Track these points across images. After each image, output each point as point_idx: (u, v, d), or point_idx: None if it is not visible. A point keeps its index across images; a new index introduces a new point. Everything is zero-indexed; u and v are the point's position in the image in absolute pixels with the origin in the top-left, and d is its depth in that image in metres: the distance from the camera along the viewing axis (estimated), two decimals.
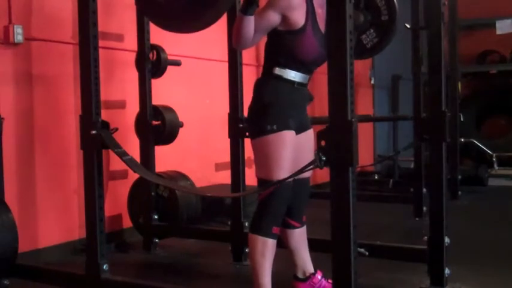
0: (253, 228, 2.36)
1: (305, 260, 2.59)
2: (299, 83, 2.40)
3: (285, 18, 2.31)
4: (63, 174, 3.49)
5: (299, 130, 2.43)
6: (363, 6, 3.70)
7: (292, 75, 2.38)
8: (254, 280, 2.35)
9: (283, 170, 2.30)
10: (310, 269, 2.59)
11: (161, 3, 2.15)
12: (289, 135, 2.35)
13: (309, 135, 2.51)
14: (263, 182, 2.34)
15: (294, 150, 2.37)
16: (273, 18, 2.30)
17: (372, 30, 3.74)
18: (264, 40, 2.45)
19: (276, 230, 2.33)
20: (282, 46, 2.36)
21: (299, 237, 2.56)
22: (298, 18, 2.32)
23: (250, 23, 2.21)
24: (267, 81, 2.41)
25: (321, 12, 2.39)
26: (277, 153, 2.32)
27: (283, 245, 2.55)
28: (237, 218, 3.24)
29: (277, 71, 2.37)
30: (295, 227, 2.54)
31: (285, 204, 2.36)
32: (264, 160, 2.35)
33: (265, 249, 2.31)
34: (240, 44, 2.31)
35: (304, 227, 2.58)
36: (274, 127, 2.32)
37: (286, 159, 2.34)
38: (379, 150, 7.13)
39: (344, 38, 1.71)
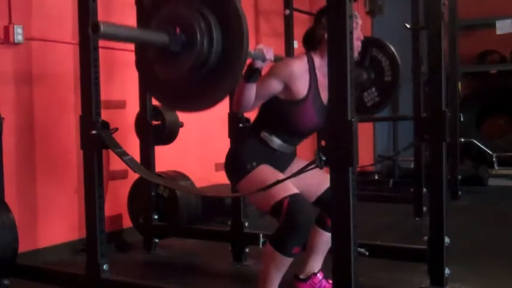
0: (275, 244, 2.23)
1: (317, 263, 2.59)
2: (281, 152, 2.40)
3: (286, 88, 2.31)
4: (63, 174, 3.49)
5: (283, 168, 2.42)
6: (367, 65, 3.72)
7: (277, 143, 2.37)
8: (261, 286, 2.31)
9: (287, 185, 2.24)
10: (315, 269, 2.60)
11: (164, 81, 2.11)
12: (270, 166, 2.33)
13: (298, 162, 2.48)
14: (276, 209, 2.21)
15: (296, 179, 2.27)
16: (275, 87, 2.30)
17: (373, 89, 3.78)
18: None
19: (296, 250, 2.22)
20: (278, 113, 2.35)
21: (328, 241, 2.47)
22: (300, 88, 2.32)
23: (251, 90, 2.22)
24: (249, 139, 2.40)
25: (323, 81, 2.36)
26: (269, 178, 2.25)
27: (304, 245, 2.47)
28: (237, 218, 3.23)
29: (264, 135, 2.37)
30: (329, 230, 2.49)
31: (306, 225, 2.20)
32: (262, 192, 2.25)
33: (281, 265, 2.25)
34: (240, 109, 2.33)
35: None
36: (254, 164, 2.31)
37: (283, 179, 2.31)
38: (379, 150, 7.12)
39: (344, 38, 1.71)
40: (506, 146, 7.04)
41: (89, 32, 1.86)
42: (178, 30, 1.97)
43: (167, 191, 3.62)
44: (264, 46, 2.20)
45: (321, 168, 1.81)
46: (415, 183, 4.50)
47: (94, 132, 2.48)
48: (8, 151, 3.03)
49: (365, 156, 6.66)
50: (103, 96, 2.60)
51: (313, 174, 2.48)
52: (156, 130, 3.60)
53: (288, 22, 5.02)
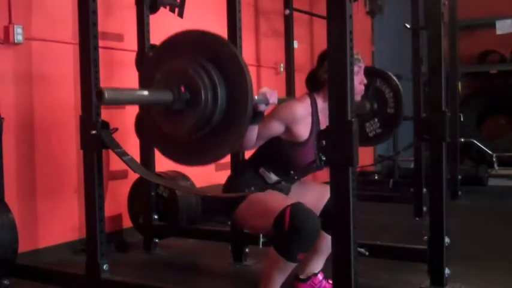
0: (279, 250, 2.20)
1: (319, 264, 2.60)
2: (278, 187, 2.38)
3: (288, 130, 2.33)
4: (63, 174, 3.49)
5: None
6: (370, 95, 3.74)
7: (274, 181, 2.37)
8: (262, 287, 2.32)
9: (288, 199, 2.25)
10: (315, 270, 2.60)
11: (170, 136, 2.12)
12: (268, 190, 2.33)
13: (296, 185, 2.48)
14: (278, 220, 2.16)
15: (296, 198, 2.32)
16: (277, 129, 2.33)
17: (376, 120, 3.79)
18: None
19: (301, 256, 2.21)
20: (278, 153, 2.37)
21: (330, 244, 2.53)
22: (302, 131, 2.34)
23: (253, 132, 2.24)
24: (248, 172, 2.40)
25: (325, 122, 2.33)
26: (268, 197, 2.25)
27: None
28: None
29: (262, 171, 2.39)
30: None
31: (313, 230, 2.17)
32: (262, 210, 2.25)
33: (285, 269, 2.25)
34: (241, 149, 2.39)
35: None
36: (252, 189, 2.31)
37: (280, 194, 2.31)
38: (379, 150, 7.12)
39: (344, 38, 1.71)
40: (506, 146, 7.05)
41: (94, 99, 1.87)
42: (183, 89, 1.96)
43: (167, 191, 3.62)
44: (267, 89, 2.21)
45: (321, 168, 1.81)
46: (415, 183, 4.50)
47: (94, 132, 2.48)
48: (8, 151, 3.03)
49: (365, 156, 6.66)
50: None
51: (313, 190, 2.50)
52: None
53: (288, 22, 5.02)
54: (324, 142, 1.76)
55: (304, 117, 2.34)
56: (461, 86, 6.10)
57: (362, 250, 2.53)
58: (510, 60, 7.38)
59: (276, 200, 2.23)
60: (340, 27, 1.71)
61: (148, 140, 3.21)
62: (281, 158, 2.38)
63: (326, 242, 2.52)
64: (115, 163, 3.47)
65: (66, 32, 3.49)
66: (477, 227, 4.26)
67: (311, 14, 5.97)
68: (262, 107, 2.17)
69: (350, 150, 1.71)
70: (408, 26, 4.43)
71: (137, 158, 3.26)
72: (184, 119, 2.01)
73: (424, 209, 4.31)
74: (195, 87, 1.95)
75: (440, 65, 2.64)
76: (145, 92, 2.02)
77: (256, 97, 2.11)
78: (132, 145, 3.37)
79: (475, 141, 6.90)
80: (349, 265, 1.76)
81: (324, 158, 1.77)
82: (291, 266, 2.25)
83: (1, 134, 2.83)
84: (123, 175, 3.77)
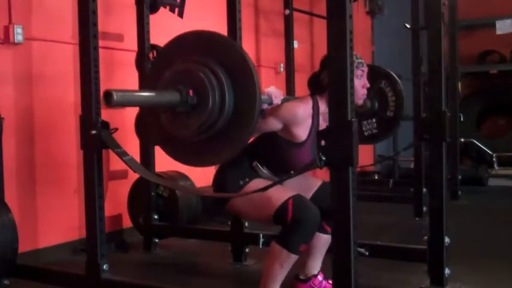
0: (281, 242, 2.25)
1: (316, 264, 2.60)
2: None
3: (286, 129, 2.34)
4: (63, 174, 3.49)
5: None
6: (372, 94, 3.73)
7: (267, 175, 2.39)
8: (263, 282, 2.33)
9: (286, 191, 2.28)
10: (315, 271, 2.60)
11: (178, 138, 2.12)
12: (263, 180, 2.35)
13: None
14: (280, 212, 2.23)
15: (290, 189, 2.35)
16: (275, 126, 2.34)
17: (373, 120, 3.78)
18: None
19: (303, 247, 2.26)
20: (274, 149, 2.38)
21: (324, 243, 2.55)
22: (301, 133, 2.35)
23: None
24: (241, 163, 2.40)
25: (324, 126, 2.36)
26: (265, 189, 2.27)
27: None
28: (237, 218, 3.23)
29: (256, 165, 2.39)
30: (326, 232, 2.50)
31: (315, 220, 2.23)
32: (261, 201, 2.27)
33: (286, 262, 2.26)
34: None
35: None
36: (247, 179, 2.34)
37: (278, 185, 2.31)
38: (379, 150, 7.12)
39: (344, 38, 1.71)
40: (506, 146, 7.04)
41: (103, 101, 1.87)
42: (191, 92, 1.96)
43: (167, 191, 3.62)
44: (274, 90, 2.27)
45: (321, 168, 1.81)
46: (415, 183, 4.50)
47: (94, 132, 2.48)
48: (8, 151, 3.03)
49: (365, 156, 6.66)
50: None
51: (301, 181, 2.49)
52: None
53: (288, 22, 5.02)
54: (324, 142, 1.76)
55: (304, 119, 2.35)
56: (461, 86, 6.09)
57: (362, 250, 2.54)
58: (510, 60, 7.38)
59: (276, 191, 2.24)
60: (340, 27, 1.71)
61: (148, 136, 3.21)
62: (276, 156, 2.39)
63: (320, 242, 2.54)
64: (115, 163, 3.47)
65: (66, 32, 3.49)
66: (477, 227, 4.26)
67: (311, 14, 5.97)
68: (264, 106, 2.18)
69: (350, 150, 1.71)
70: (408, 26, 4.43)
71: (137, 158, 3.27)
72: (188, 122, 2.01)
73: (424, 209, 4.31)
74: (204, 93, 1.95)
75: (440, 65, 2.64)
76: (153, 94, 2.02)
77: (261, 96, 2.12)
78: (132, 145, 3.37)
79: (475, 141, 6.90)
80: (349, 265, 1.76)
81: (324, 158, 1.77)
82: (292, 261, 2.26)
83: (1, 134, 2.83)
84: (123, 175, 3.77)
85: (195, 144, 2.08)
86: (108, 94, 1.82)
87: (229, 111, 1.97)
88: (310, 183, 2.53)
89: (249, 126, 1.96)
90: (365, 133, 3.93)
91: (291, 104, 2.40)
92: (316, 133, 1.79)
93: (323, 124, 2.40)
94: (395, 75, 3.94)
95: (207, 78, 1.95)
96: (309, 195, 2.45)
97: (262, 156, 2.41)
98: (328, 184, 2.49)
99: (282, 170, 2.41)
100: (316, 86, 2.48)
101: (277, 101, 2.26)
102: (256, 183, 2.31)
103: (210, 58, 2.00)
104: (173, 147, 2.20)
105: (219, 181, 2.43)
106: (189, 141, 2.09)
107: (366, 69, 2.46)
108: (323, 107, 2.42)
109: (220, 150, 2.04)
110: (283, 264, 2.26)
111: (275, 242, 2.28)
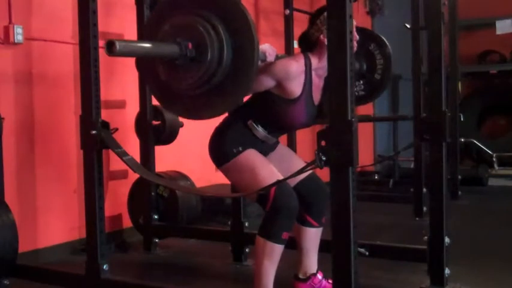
0: (263, 233, 2.30)
1: (311, 262, 2.59)
2: (264, 141, 2.43)
3: (280, 86, 2.33)
4: (63, 174, 3.49)
5: (266, 153, 2.46)
6: (362, 54, 3.71)
7: (262, 134, 2.40)
8: (256, 281, 2.34)
9: (275, 173, 2.30)
10: (313, 269, 2.59)
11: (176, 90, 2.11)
12: (256, 151, 2.37)
13: (281, 147, 2.57)
14: (263, 196, 2.27)
15: (278, 163, 2.39)
16: (268, 83, 2.33)
17: (361, 82, 3.75)
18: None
19: (285, 235, 2.28)
20: (269, 107, 2.37)
21: (313, 237, 2.55)
22: (294, 88, 2.34)
23: None
24: (235, 124, 2.40)
25: (318, 82, 2.42)
26: (257, 163, 2.32)
27: (295, 243, 2.54)
28: (237, 218, 3.23)
29: (251, 124, 2.39)
30: (312, 226, 2.51)
31: (293, 208, 2.29)
32: (249, 177, 2.32)
33: (273, 254, 2.28)
34: None
35: (321, 229, 2.56)
36: (240, 148, 2.34)
37: (269, 164, 2.35)
38: (379, 150, 7.12)
39: (344, 38, 1.71)
40: (506, 146, 7.05)
41: (106, 51, 1.85)
42: (190, 45, 1.95)
43: (167, 191, 3.62)
44: (268, 47, 2.26)
45: (321, 168, 1.81)
46: (415, 183, 4.50)
47: (94, 132, 2.48)
48: (8, 151, 3.03)
49: (365, 156, 6.66)
50: (103, 96, 2.60)
51: (289, 161, 2.51)
52: (156, 130, 3.60)
53: (288, 22, 5.01)
54: (324, 142, 1.76)
55: (297, 75, 2.34)
56: (461, 86, 6.10)
57: (362, 250, 2.53)
58: (510, 60, 7.38)
59: (264, 171, 2.29)
60: (340, 27, 1.71)
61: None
62: (271, 113, 2.38)
63: (308, 236, 2.54)
64: (115, 163, 3.48)
65: (66, 32, 3.49)
66: (477, 227, 4.26)
67: (311, 14, 5.96)
68: (258, 63, 2.17)
69: (350, 150, 1.71)
70: (408, 26, 4.43)
71: (137, 158, 3.26)
72: (186, 75, 2.00)
73: (424, 209, 4.31)
74: (203, 47, 1.94)
75: (440, 65, 2.64)
76: (154, 45, 2.02)
77: None
78: (132, 145, 3.37)
79: (475, 141, 6.90)
80: (349, 265, 1.76)
81: (324, 158, 1.77)
82: (278, 251, 2.29)
83: (1, 134, 2.83)
84: (123, 175, 3.77)
85: (193, 98, 2.07)
86: (111, 43, 1.80)
87: (227, 66, 1.95)
88: (294, 162, 2.52)
89: (246, 82, 1.95)
90: None
91: (284, 61, 2.39)
92: (316, 133, 1.79)
93: (316, 79, 2.41)
94: (384, 39, 3.92)
95: (207, 33, 1.94)
96: (289, 173, 2.36)
97: (257, 115, 2.40)
98: (316, 178, 2.55)
99: (277, 128, 2.43)
100: (306, 43, 2.47)
101: (270, 58, 2.25)
102: (251, 154, 2.34)
103: (210, 12, 1.98)
104: (171, 101, 2.18)
105: (213, 148, 2.43)
106: (187, 95, 2.08)
107: (354, 22, 2.43)
108: (315, 63, 2.41)
109: (217, 104, 2.03)
110: (271, 257, 2.28)
111: (258, 235, 2.32)
